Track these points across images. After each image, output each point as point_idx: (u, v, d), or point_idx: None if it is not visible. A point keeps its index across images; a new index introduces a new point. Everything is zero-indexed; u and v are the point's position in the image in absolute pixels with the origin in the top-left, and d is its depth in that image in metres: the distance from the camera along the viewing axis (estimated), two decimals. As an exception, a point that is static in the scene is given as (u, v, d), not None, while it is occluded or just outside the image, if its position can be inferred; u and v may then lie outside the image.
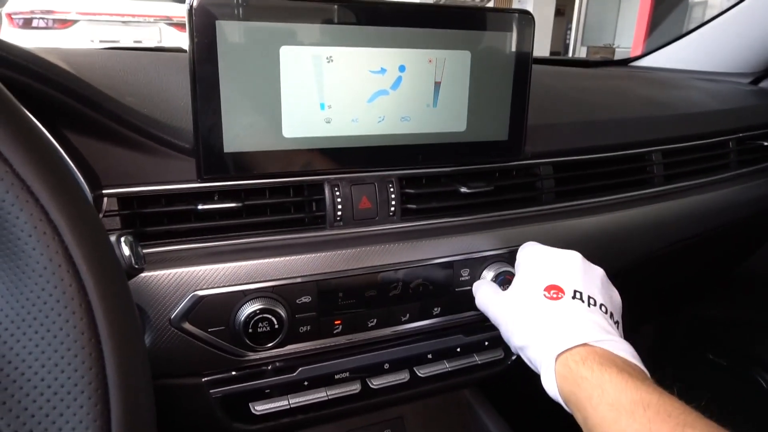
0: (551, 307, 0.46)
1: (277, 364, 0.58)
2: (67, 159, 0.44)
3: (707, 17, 1.24)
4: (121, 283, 0.29)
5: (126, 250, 0.36)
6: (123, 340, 0.26)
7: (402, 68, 0.54)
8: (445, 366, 0.66)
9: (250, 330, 0.50)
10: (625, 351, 0.42)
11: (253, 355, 0.54)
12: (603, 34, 8.50)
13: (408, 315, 0.60)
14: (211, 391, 0.55)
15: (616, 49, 8.04)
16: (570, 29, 9.07)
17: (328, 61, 0.51)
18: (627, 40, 7.77)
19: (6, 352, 0.24)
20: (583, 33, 8.80)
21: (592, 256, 0.72)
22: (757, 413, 1.13)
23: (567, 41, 9.17)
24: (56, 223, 0.25)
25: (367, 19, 0.51)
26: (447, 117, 0.57)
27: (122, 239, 0.36)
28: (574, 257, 0.51)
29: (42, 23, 4.19)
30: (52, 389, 0.24)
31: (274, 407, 0.58)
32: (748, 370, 1.14)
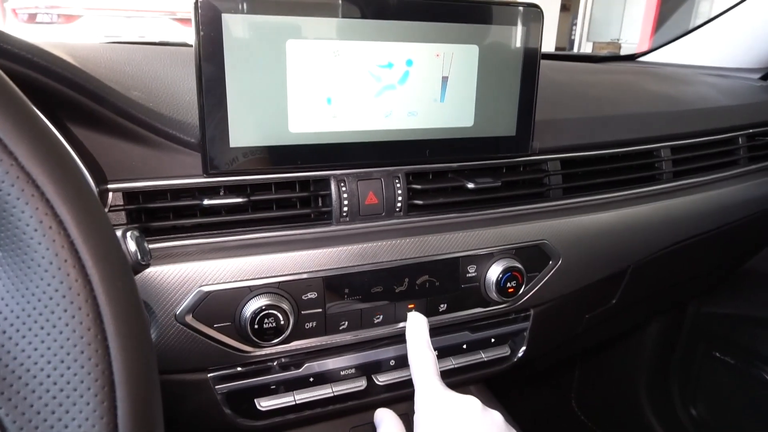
0: None
1: (283, 360, 0.58)
2: (73, 153, 0.44)
3: (714, 12, 1.23)
4: (128, 278, 0.28)
5: (132, 246, 0.36)
6: (129, 336, 0.26)
7: (409, 62, 0.53)
8: (451, 363, 0.66)
9: (256, 326, 0.50)
10: None
11: (258, 351, 0.54)
12: (609, 29, 8.43)
13: (414, 311, 0.59)
14: (216, 386, 0.55)
15: (622, 45, 7.98)
16: (575, 24, 9.00)
17: (335, 55, 0.50)
18: (633, 35, 7.71)
19: (11, 348, 0.24)
20: (588, 28, 8.74)
21: (599, 253, 0.72)
22: (764, 412, 1.12)
23: (572, 36, 9.10)
24: (62, 217, 0.25)
25: (373, 12, 0.50)
26: (454, 112, 0.57)
27: (128, 234, 0.36)
28: (471, 407, 0.49)
29: (46, 18, 4.19)
30: (58, 386, 0.24)
31: (279, 403, 0.58)
32: (754, 368, 1.13)
